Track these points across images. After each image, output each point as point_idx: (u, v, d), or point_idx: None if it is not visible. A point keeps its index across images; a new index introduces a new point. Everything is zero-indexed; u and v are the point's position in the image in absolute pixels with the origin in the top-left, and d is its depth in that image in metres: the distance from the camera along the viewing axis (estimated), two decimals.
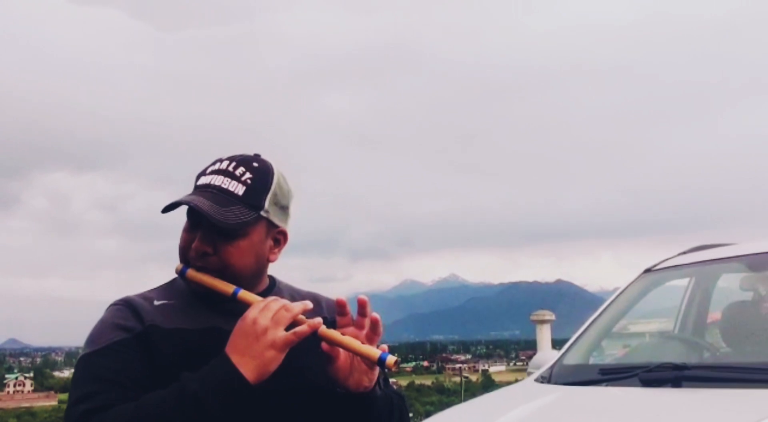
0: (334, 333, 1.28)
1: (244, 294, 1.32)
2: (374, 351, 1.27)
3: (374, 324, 1.31)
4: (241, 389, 1.21)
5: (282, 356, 1.24)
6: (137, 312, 1.34)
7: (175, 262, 1.39)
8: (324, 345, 1.29)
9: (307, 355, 1.31)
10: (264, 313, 1.25)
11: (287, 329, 1.25)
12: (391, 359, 1.26)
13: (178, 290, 1.40)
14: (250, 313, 1.25)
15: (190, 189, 1.39)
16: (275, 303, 1.27)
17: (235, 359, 1.22)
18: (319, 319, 1.28)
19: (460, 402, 2.98)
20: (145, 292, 1.41)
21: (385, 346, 1.30)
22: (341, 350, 1.30)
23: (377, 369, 1.34)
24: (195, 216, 1.34)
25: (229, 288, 1.33)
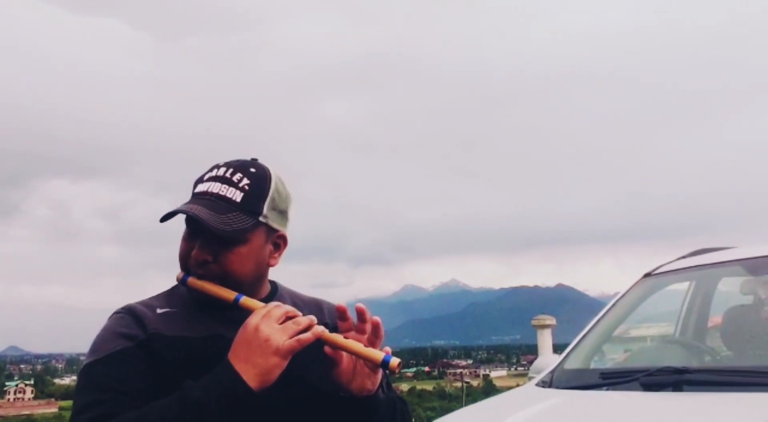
0: (337, 337, 1.29)
1: (246, 300, 1.33)
2: (377, 354, 1.27)
3: (375, 327, 1.31)
4: (244, 396, 1.21)
5: (285, 363, 1.24)
6: (140, 320, 1.34)
7: (176, 269, 1.39)
8: (327, 348, 1.30)
9: (309, 360, 1.31)
10: (266, 320, 1.25)
11: None
12: (394, 361, 1.27)
13: (180, 298, 1.40)
14: (252, 320, 1.26)
15: (191, 196, 1.39)
16: (277, 309, 1.27)
17: (238, 366, 1.22)
18: (321, 327, 1.28)
19: (461, 407, 2.97)
20: (147, 300, 1.41)
21: (388, 349, 1.31)
22: (344, 354, 1.30)
23: (380, 373, 1.35)
24: (194, 225, 1.34)
25: (230, 295, 1.33)
